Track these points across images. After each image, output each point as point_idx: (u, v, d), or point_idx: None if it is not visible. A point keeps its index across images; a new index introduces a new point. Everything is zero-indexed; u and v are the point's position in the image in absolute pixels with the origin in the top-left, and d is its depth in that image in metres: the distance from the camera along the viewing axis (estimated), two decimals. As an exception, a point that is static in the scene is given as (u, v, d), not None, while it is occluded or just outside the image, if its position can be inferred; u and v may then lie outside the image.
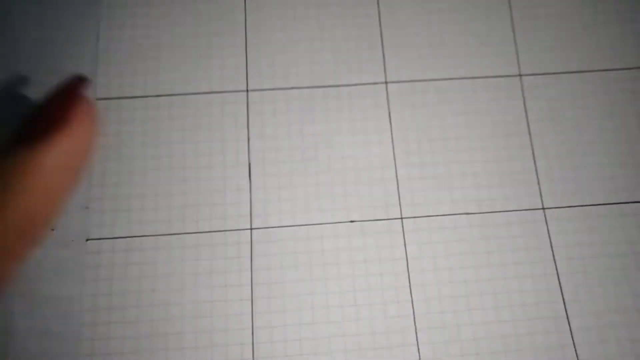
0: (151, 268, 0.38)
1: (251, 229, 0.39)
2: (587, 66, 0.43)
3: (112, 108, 0.41)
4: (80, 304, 0.37)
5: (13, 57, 0.42)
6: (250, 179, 0.40)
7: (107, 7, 0.43)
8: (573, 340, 0.37)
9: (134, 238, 0.39)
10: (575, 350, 0.37)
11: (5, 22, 0.43)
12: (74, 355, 0.36)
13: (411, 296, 0.37)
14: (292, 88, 0.42)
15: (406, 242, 0.39)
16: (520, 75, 0.43)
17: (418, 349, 0.36)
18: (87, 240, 0.39)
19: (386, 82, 0.42)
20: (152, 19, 0.43)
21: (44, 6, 0.43)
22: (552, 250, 0.39)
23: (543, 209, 0.40)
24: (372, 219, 0.39)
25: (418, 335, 0.37)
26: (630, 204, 0.40)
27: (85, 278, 0.38)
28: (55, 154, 0.28)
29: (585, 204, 0.40)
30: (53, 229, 0.39)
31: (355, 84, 0.42)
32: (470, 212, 0.40)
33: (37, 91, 0.39)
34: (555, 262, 0.39)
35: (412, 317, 0.37)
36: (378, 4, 0.44)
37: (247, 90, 0.42)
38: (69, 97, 0.30)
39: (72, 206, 0.39)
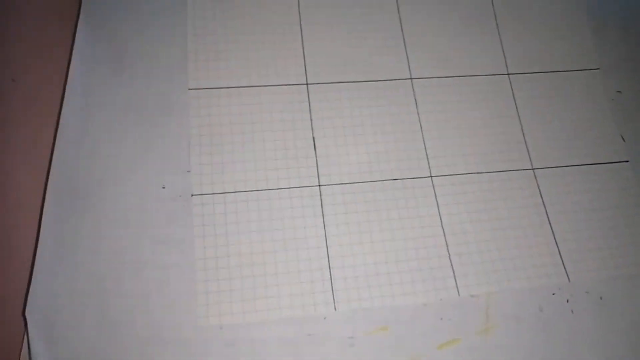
0: (245, 217, 0.52)
1: (320, 185, 0.54)
2: (559, 67, 0.62)
3: (203, 96, 0.55)
4: (191, 244, 0.50)
5: (119, 57, 0.55)
6: (315, 150, 0.55)
7: (192, 17, 0.58)
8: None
9: (229, 193, 0.52)
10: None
11: (112, 29, 0.56)
12: (191, 280, 0.48)
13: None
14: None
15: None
16: (508, 73, 0.61)
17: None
18: (192, 195, 0.52)
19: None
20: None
21: (141, 19, 0.57)
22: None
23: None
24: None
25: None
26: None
27: (193, 224, 0.50)
28: None
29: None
30: (164, 187, 0.51)
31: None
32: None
33: (138, 81, 0.53)
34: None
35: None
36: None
37: (307, 84, 0.57)
38: None
39: (177, 170, 0.52)
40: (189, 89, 0.56)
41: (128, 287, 0.48)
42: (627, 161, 0.60)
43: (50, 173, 0.50)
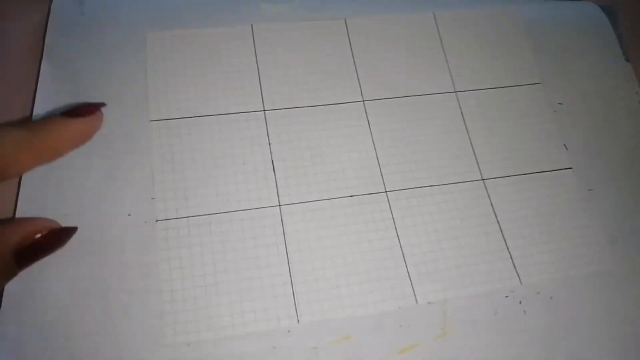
0: (208, 239, 0.54)
1: (280, 205, 0.56)
2: (503, 83, 0.66)
3: (164, 127, 0.58)
4: (157, 267, 0.52)
5: (73, 94, 0.58)
6: (274, 172, 0.58)
7: (152, 55, 0.61)
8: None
9: (193, 217, 0.55)
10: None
11: (74, 67, 0.59)
12: (158, 302, 0.51)
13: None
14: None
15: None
16: (455, 91, 0.65)
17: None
18: (157, 221, 0.54)
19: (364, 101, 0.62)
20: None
21: (101, 55, 0.60)
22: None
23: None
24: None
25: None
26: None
27: (159, 248, 0.53)
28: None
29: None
30: (129, 214, 0.54)
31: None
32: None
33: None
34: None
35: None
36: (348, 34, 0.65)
37: (264, 110, 0.61)
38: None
39: (141, 198, 0.55)
40: (151, 121, 0.59)
41: (93, 314, 0.50)
42: (570, 168, 0.64)
43: (17, 210, 0.52)
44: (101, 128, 0.57)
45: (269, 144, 0.60)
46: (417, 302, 0.55)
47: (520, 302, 0.56)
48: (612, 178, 0.64)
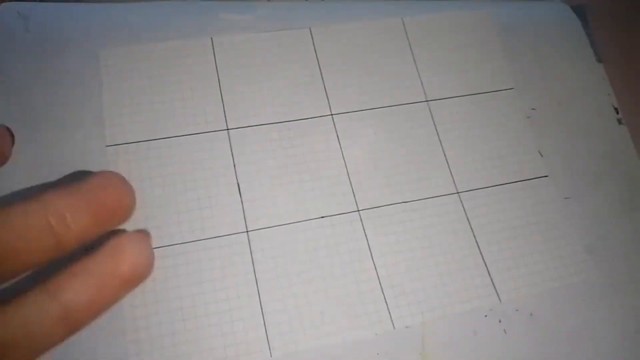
0: (172, 272, 0.51)
1: (247, 231, 0.54)
2: (476, 89, 0.64)
3: (121, 152, 0.55)
4: (120, 305, 0.49)
5: (23, 120, 0.55)
6: (240, 196, 0.55)
7: (105, 74, 0.58)
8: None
9: (155, 249, 0.52)
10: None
11: (15, 88, 0.55)
12: (122, 342, 0.48)
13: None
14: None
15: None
16: (427, 100, 0.63)
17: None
18: (117, 254, 0.51)
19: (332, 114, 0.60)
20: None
21: (51, 79, 0.56)
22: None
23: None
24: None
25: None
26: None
27: (120, 284, 0.50)
28: None
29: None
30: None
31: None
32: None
33: (52, 144, 0.53)
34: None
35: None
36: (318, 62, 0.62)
37: (228, 129, 0.58)
38: None
39: (99, 230, 0.51)
40: (107, 146, 0.56)
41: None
42: (546, 176, 0.62)
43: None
44: (53, 156, 0.54)
45: (234, 165, 0.57)
46: (394, 327, 0.53)
47: (500, 321, 0.55)
48: (589, 184, 0.63)
